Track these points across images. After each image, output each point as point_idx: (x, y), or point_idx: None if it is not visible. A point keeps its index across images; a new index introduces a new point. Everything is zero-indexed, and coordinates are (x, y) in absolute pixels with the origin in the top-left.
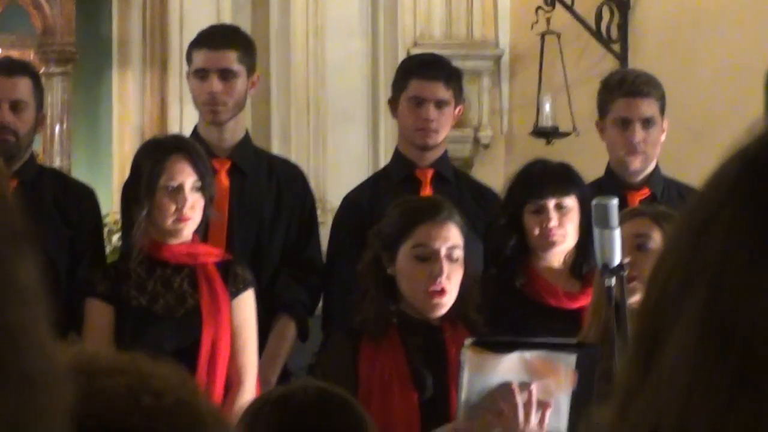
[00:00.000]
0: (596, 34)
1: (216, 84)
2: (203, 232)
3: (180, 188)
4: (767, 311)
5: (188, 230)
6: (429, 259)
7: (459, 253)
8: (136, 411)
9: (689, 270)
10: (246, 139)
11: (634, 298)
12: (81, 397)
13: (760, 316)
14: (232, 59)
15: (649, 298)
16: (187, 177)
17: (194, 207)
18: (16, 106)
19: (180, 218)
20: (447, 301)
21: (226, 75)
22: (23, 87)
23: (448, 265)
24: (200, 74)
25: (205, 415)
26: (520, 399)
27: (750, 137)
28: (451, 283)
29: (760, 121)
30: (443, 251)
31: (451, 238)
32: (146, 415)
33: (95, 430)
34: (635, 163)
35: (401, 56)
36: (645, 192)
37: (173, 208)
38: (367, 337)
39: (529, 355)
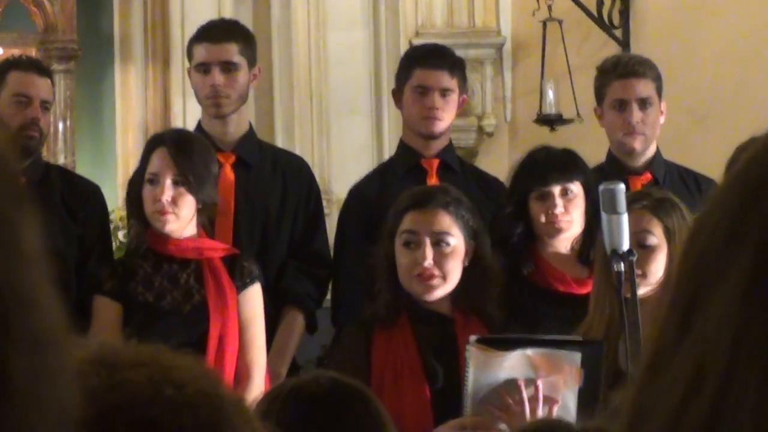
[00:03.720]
0: (598, 20)
1: (218, 77)
2: (210, 227)
3: (158, 179)
4: None
5: (171, 226)
6: (415, 245)
7: (452, 241)
8: (158, 402)
9: (738, 226)
10: (250, 133)
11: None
12: (103, 390)
13: None
14: (233, 52)
15: (687, 258)
16: (167, 169)
17: (177, 203)
18: (44, 106)
19: (160, 211)
20: (438, 284)
21: (227, 68)
22: (49, 88)
23: (435, 251)
24: (202, 68)
25: (227, 404)
26: (526, 394)
27: None
28: (443, 268)
29: None
30: (429, 237)
31: (438, 224)
32: (169, 405)
33: (118, 421)
34: (634, 144)
35: (403, 46)
36: (647, 176)
37: (152, 198)
38: (380, 328)
39: (532, 352)
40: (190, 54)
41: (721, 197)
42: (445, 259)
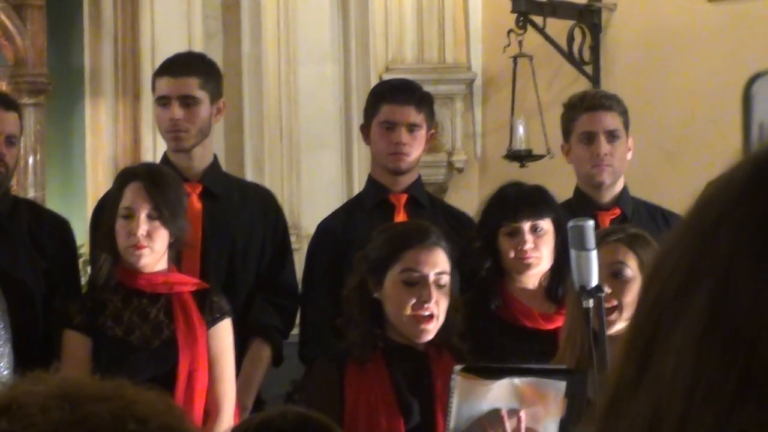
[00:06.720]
0: (568, 56)
1: (177, 111)
2: (176, 258)
3: (132, 213)
4: None
5: (146, 260)
6: (418, 284)
7: (446, 279)
8: None
9: (694, 269)
10: (215, 164)
11: (615, 328)
12: (66, 424)
13: (766, 320)
14: (193, 86)
15: (646, 298)
16: (142, 203)
17: (151, 237)
18: (9, 140)
19: (135, 245)
20: (434, 327)
21: (187, 102)
22: (15, 122)
23: (436, 290)
24: (162, 102)
25: None
26: (509, 425)
27: (760, 144)
28: (439, 308)
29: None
30: (432, 276)
31: (440, 263)
32: None
33: None
34: (603, 176)
35: (374, 81)
36: (615, 212)
37: (126, 232)
38: (353, 363)
39: (519, 381)
40: (153, 87)
41: (677, 238)
42: (442, 299)
